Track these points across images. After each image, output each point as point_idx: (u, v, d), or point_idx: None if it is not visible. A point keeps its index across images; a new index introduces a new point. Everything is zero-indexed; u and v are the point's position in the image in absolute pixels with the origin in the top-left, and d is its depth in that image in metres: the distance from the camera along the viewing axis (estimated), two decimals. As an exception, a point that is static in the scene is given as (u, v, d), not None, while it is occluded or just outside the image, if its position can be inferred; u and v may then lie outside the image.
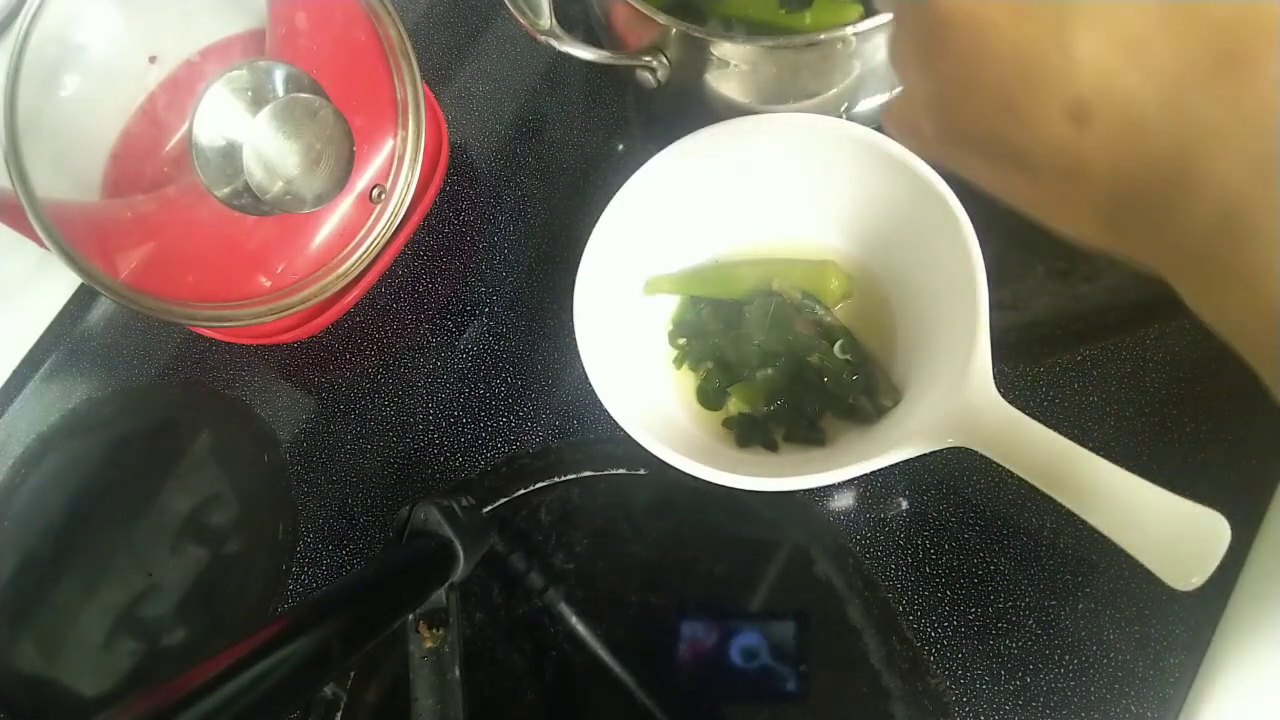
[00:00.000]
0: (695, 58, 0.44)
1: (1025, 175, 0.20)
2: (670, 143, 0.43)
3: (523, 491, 0.46)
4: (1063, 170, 0.19)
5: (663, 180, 0.43)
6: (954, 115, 0.21)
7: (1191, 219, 0.17)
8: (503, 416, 0.48)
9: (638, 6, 0.42)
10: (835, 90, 0.44)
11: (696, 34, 0.42)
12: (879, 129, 0.41)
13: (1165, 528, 0.32)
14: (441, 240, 0.53)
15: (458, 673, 0.37)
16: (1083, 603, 0.40)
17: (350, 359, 0.51)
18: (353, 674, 0.44)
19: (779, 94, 0.44)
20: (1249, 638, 0.39)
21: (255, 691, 0.26)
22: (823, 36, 0.40)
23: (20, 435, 0.52)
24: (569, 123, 0.55)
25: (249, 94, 0.39)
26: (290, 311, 0.45)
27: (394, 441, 0.49)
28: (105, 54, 0.42)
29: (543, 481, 0.46)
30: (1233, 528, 0.31)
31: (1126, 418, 0.43)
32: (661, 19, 0.42)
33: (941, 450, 0.35)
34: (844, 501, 0.44)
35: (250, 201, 0.40)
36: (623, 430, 0.38)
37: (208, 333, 0.49)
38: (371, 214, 0.46)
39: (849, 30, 0.40)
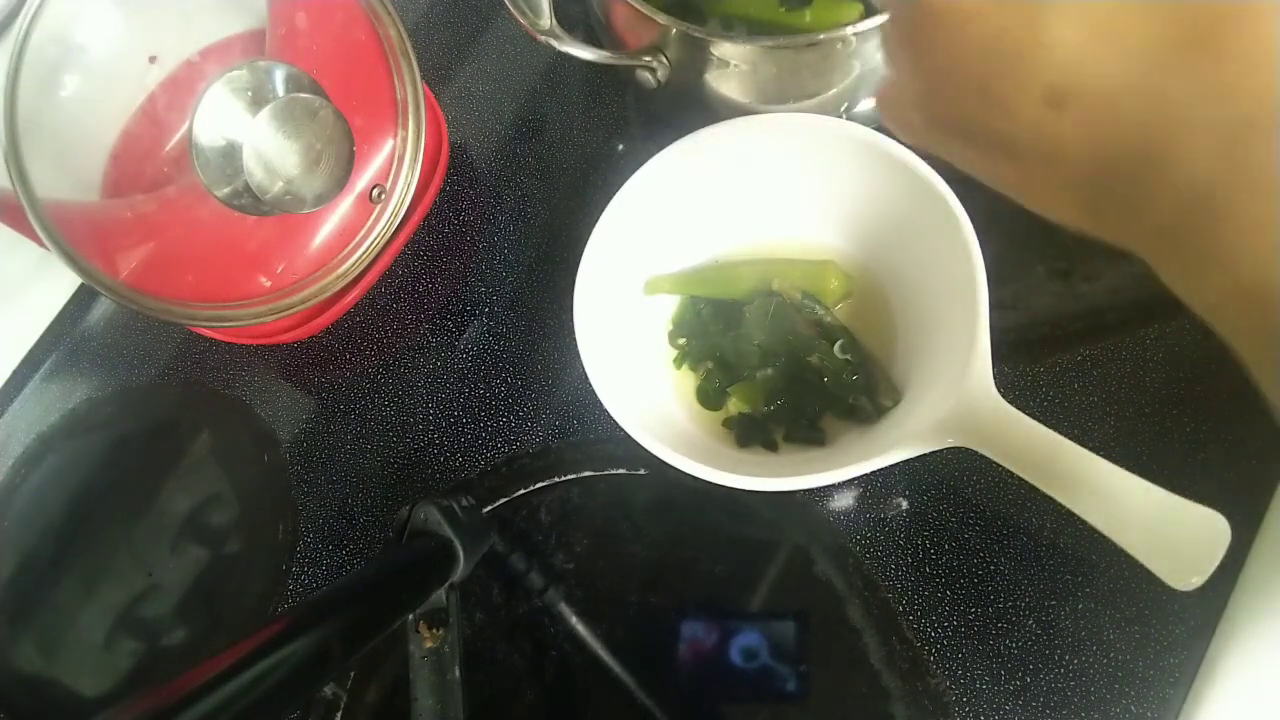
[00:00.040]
0: (695, 58, 0.44)
1: (1008, 161, 0.20)
2: (670, 143, 0.43)
3: (523, 491, 0.46)
4: (1043, 155, 0.19)
5: (663, 180, 0.43)
6: (940, 104, 0.21)
7: (1167, 201, 0.17)
8: (503, 416, 0.48)
9: (638, 6, 0.42)
10: (835, 90, 0.44)
11: (696, 34, 0.42)
12: (879, 129, 0.41)
13: (1165, 528, 0.32)
14: (441, 240, 0.53)
15: (458, 673, 0.37)
16: (1083, 603, 0.40)
17: (350, 359, 0.51)
18: (353, 674, 0.44)
19: (779, 94, 0.44)
20: (1249, 638, 0.39)
21: (255, 691, 0.26)
22: (822, 36, 0.40)
23: (20, 435, 0.52)
24: (569, 123, 0.55)
25: (249, 94, 0.39)
26: (290, 311, 0.45)
27: (394, 441, 0.49)
28: (105, 54, 0.42)
29: (543, 481, 0.46)
30: (1233, 528, 0.31)
31: (1126, 418, 0.43)
32: (661, 19, 0.42)
33: (941, 450, 0.35)
34: (844, 501, 0.44)
35: (250, 201, 0.40)
36: (623, 430, 0.38)
37: (208, 333, 0.49)
38: (371, 214, 0.46)
39: (849, 30, 0.40)
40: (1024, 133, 0.19)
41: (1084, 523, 0.33)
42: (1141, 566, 0.32)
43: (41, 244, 0.38)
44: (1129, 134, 0.17)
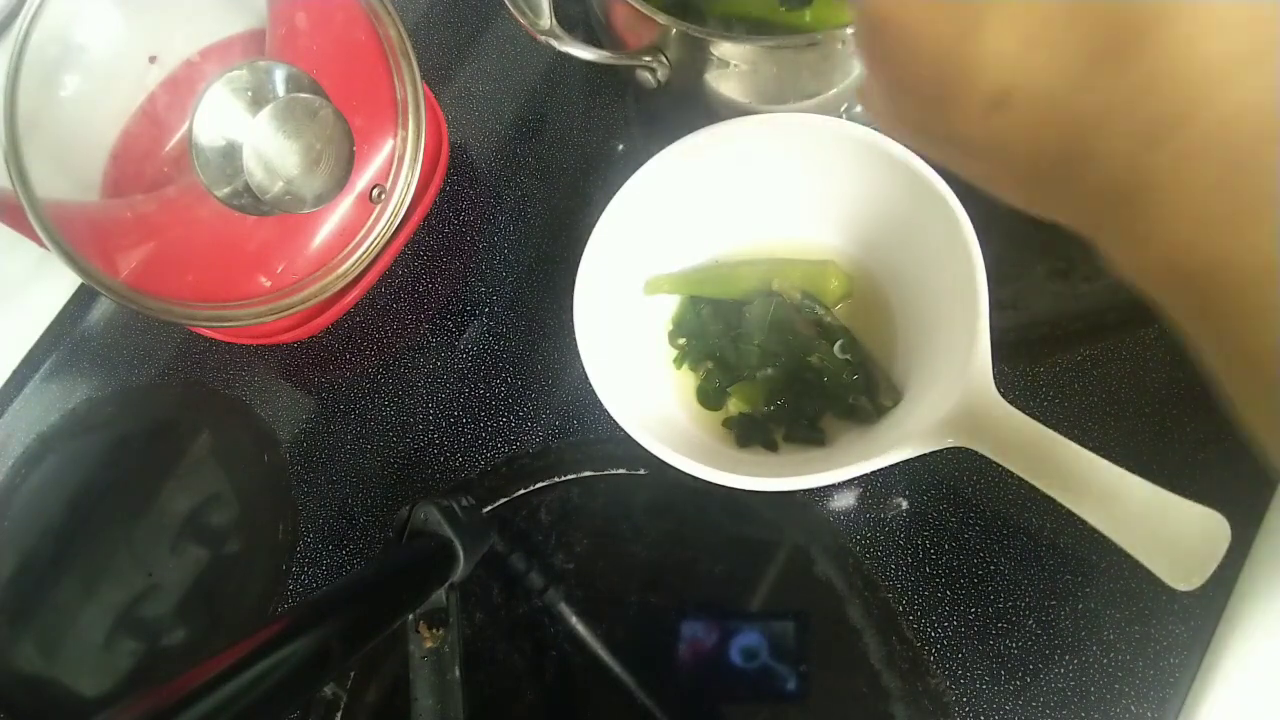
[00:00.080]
0: (695, 58, 0.44)
1: (963, 155, 0.22)
2: (670, 143, 0.43)
3: (523, 491, 0.46)
4: (991, 151, 0.21)
5: (663, 180, 0.43)
6: (898, 105, 0.23)
7: (1096, 188, 0.19)
8: (503, 416, 0.48)
9: (638, 6, 0.42)
10: (835, 90, 0.44)
11: (696, 34, 0.42)
12: (879, 129, 0.41)
13: (1165, 528, 0.32)
14: (441, 240, 0.53)
15: (458, 673, 0.37)
16: (1083, 603, 0.40)
17: (350, 359, 0.51)
18: (353, 674, 0.44)
19: (779, 94, 0.44)
20: (1249, 638, 0.39)
21: (255, 691, 0.26)
22: (822, 36, 0.40)
23: (20, 435, 0.52)
24: (569, 123, 0.55)
25: (249, 94, 0.39)
26: (290, 311, 0.45)
27: (394, 441, 0.49)
28: (105, 54, 0.42)
29: (543, 481, 0.46)
30: (1233, 528, 0.31)
31: (1127, 417, 0.43)
32: (661, 19, 0.42)
33: (941, 450, 0.35)
34: (844, 501, 0.44)
35: (250, 201, 0.40)
36: (623, 430, 0.38)
37: (208, 333, 0.49)
38: (371, 214, 0.46)
39: (849, 30, 0.40)
40: (973, 132, 0.21)
41: (1084, 523, 0.33)
42: (1141, 566, 0.32)
43: (41, 244, 0.38)
44: (1063, 133, 0.19)
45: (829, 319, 0.44)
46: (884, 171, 0.41)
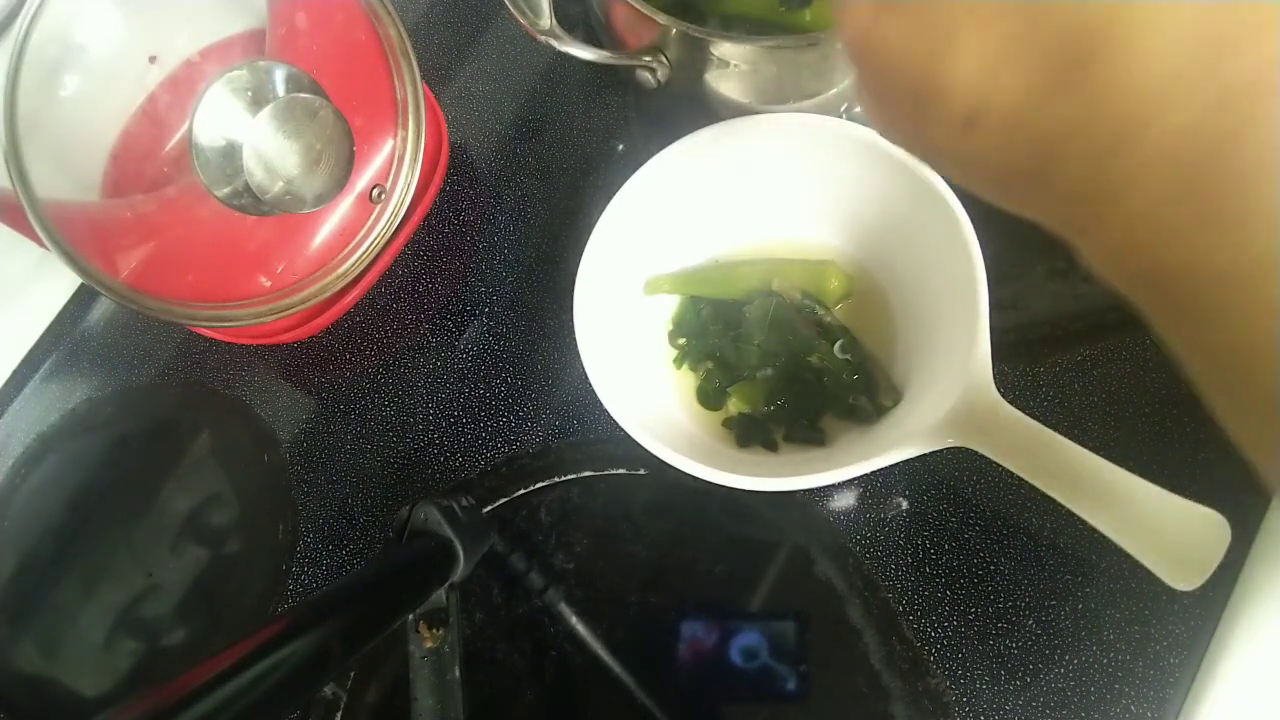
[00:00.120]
0: (695, 58, 0.44)
1: (944, 162, 0.24)
2: (670, 143, 0.43)
3: (523, 491, 0.46)
4: (968, 160, 0.22)
5: (663, 180, 0.43)
6: (883, 116, 0.24)
7: (1066, 195, 0.20)
8: (503, 416, 0.48)
9: (638, 6, 0.42)
10: (835, 90, 0.44)
11: (696, 34, 0.42)
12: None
13: (1165, 528, 0.32)
14: (441, 240, 0.53)
15: (458, 673, 0.37)
16: (1083, 603, 0.40)
17: (350, 359, 0.51)
18: (353, 674, 0.44)
19: (779, 94, 0.44)
20: (1249, 638, 0.39)
21: (255, 691, 0.26)
22: (822, 36, 0.40)
23: (20, 435, 0.52)
24: (569, 123, 0.55)
25: (249, 94, 0.39)
26: (290, 311, 0.45)
27: (394, 441, 0.49)
28: (105, 54, 0.42)
29: (543, 481, 0.46)
30: (1233, 528, 0.31)
31: (1127, 418, 0.43)
32: (661, 19, 0.42)
33: (941, 450, 0.35)
34: (844, 501, 0.44)
35: (250, 201, 0.40)
36: (623, 430, 0.38)
37: (208, 333, 0.49)
38: (371, 214, 0.46)
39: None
40: (952, 145, 0.22)
41: (1084, 523, 0.33)
42: (1141, 566, 0.32)
43: (41, 244, 0.38)
44: (1033, 145, 0.20)
45: (829, 319, 0.44)
46: (884, 171, 0.41)
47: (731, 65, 0.43)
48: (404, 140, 0.46)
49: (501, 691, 0.43)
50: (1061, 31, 0.18)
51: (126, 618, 0.47)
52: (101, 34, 0.41)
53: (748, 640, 0.42)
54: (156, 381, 0.52)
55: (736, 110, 0.45)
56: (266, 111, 0.39)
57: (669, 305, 0.47)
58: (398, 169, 0.46)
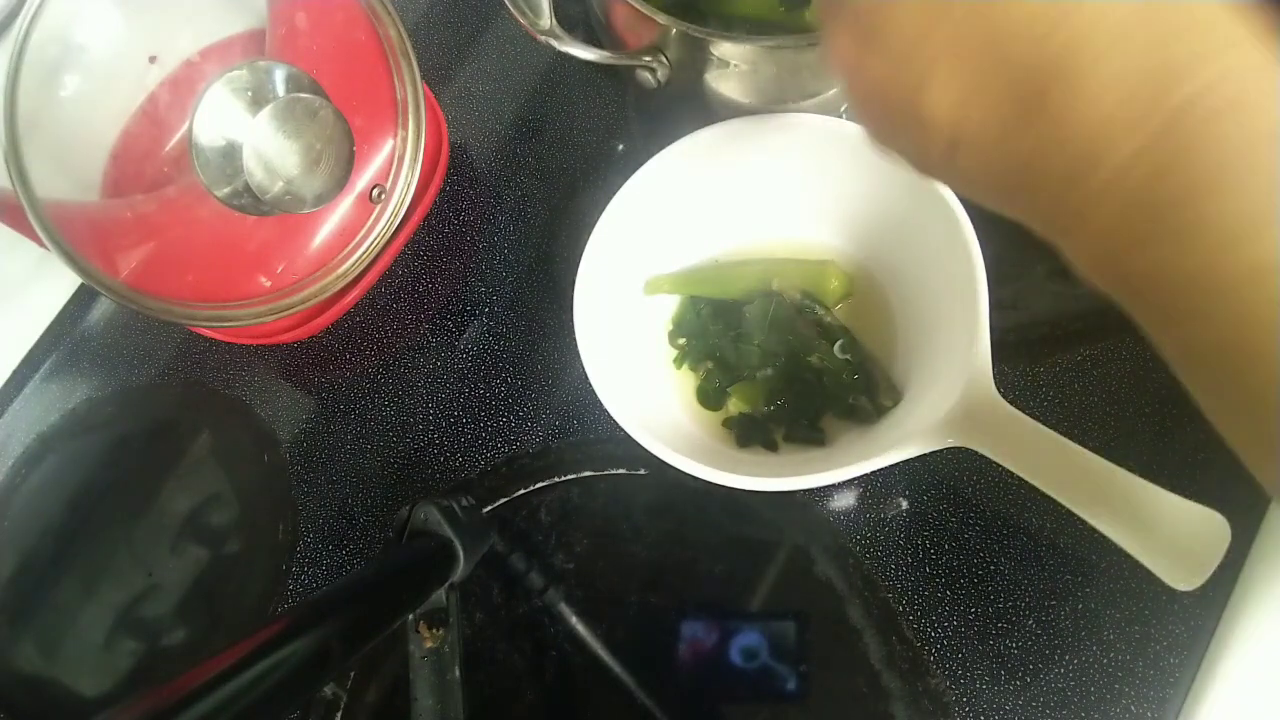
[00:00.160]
0: (695, 58, 0.44)
1: (934, 174, 0.26)
2: (670, 143, 0.43)
3: (523, 491, 0.46)
4: (955, 178, 0.25)
5: (663, 180, 0.43)
6: (873, 134, 0.27)
7: (1042, 210, 0.22)
8: (503, 416, 0.48)
9: (638, 6, 0.42)
10: (835, 90, 0.44)
11: (696, 34, 0.42)
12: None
13: (1165, 528, 0.32)
14: (441, 240, 0.53)
15: (458, 673, 0.37)
16: (1083, 603, 0.40)
17: (350, 359, 0.51)
18: (353, 674, 0.44)
19: (779, 94, 0.44)
20: (1249, 638, 0.39)
21: (255, 691, 0.26)
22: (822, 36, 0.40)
23: (20, 435, 0.52)
24: (569, 123, 0.55)
25: (249, 94, 0.39)
26: (290, 311, 0.45)
27: (394, 441, 0.49)
28: (105, 54, 0.42)
29: (543, 481, 0.46)
30: (1233, 528, 0.31)
31: (1127, 418, 0.43)
32: (661, 19, 0.42)
33: (941, 450, 0.35)
34: (844, 501, 0.44)
35: (250, 201, 0.40)
36: (623, 430, 0.38)
37: (208, 333, 0.49)
38: (371, 214, 0.46)
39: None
40: (939, 163, 0.24)
41: (1084, 523, 0.33)
42: (1141, 566, 0.32)
43: (41, 244, 0.38)
44: (1008, 169, 0.22)
45: (829, 319, 0.44)
46: (884, 171, 0.41)
47: (731, 65, 0.43)
48: (404, 140, 0.46)
49: (501, 691, 0.43)
50: (1021, 69, 0.20)
51: (126, 618, 0.47)
52: (101, 34, 0.41)
53: (748, 640, 0.42)
54: (156, 381, 0.52)
55: (736, 110, 0.45)
56: (266, 111, 0.39)
57: (669, 305, 0.47)
58: (398, 169, 0.46)
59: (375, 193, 0.46)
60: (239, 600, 0.46)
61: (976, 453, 0.35)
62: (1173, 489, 0.32)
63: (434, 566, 0.37)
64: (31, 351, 0.54)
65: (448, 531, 0.37)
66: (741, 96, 0.45)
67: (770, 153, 0.44)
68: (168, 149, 0.43)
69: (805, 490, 0.39)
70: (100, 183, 0.43)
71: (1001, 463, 0.34)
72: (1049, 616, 0.40)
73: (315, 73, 0.41)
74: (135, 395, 0.52)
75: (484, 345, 0.50)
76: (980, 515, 0.42)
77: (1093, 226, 0.21)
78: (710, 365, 0.45)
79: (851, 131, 0.42)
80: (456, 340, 0.51)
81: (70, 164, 0.42)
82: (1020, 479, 0.34)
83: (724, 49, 0.42)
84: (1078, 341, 0.45)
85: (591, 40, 0.46)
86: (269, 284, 0.44)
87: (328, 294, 0.46)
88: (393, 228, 0.47)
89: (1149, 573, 0.32)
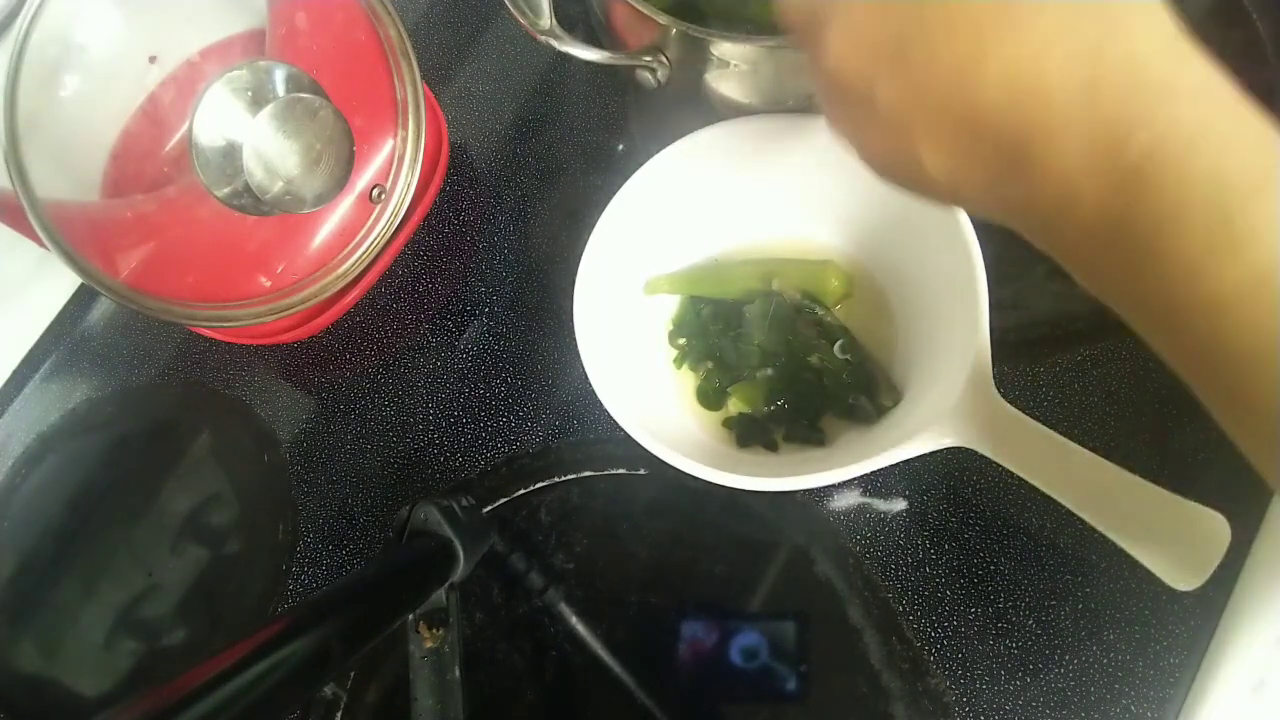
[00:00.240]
0: (695, 58, 0.44)
1: (938, 203, 0.28)
2: (670, 143, 0.43)
3: (523, 491, 0.46)
4: (959, 205, 0.29)
5: (663, 180, 0.43)
6: (885, 180, 0.28)
7: (1037, 238, 0.25)
8: (503, 416, 0.48)
9: (638, 6, 0.42)
10: (835, 90, 0.44)
11: (696, 34, 0.42)
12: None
13: (1165, 528, 0.32)
14: (441, 240, 0.53)
15: (458, 673, 0.37)
16: (1083, 603, 0.40)
17: (350, 359, 0.51)
18: (353, 674, 0.44)
19: (779, 94, 0.44)
20: (1249, 638, 0.39)
21: (255, 691, 0.26)
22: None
23: (20, 435, 0.52)
24: (569, 123, 0.55)
25: (249, 94, 0.39)
26: (290, 311, 0.45)
27: (394, 441, 0.49)
28: (105, 54, 0.42)
29: (543, 481, 0.46)
30: (1233, 528, 0.32)
31: (1127, 418, 0.43)
32: (661, 19, 0.42)
33: (941, 450, 0.35)
34: (844, 501, 0.44)
35: (250, 201, 0.40)
36: (623, 430, 0.38)
37: (208, 333, 0.49)
38: (371, 214, 0.46)
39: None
40: (944, 202, 0.27)
41: (1084, 523, 0.33)
42: (1141, 566, 0.32)
43: (41, 244, 0.38)
44: (1003, 215, 0.25)
45: (829, 319, 0.44)
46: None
47: (731, 65, 0.43)
48: (404, 140, 0.46)
49: (501, 691, 0.43)
50: (996, 140, 0.23)
51: (126, 618, 0.47)
52: (101, 34, 0.41)
53: (748, 640, 0.42)
54: (156, 381, 0.52)
55: (736, 110, 0.45)
56: (266, 111, 0.39)
57: (669, 305, 0.47)
58: (398, 169, 0.46)
59: (375, 193, 0.46)
60: (239, 600, 0.46)
61: (976, 453, 0.35)
62: (1173, 489, 0.32)
63: (434, 566, 0.37)
64: (31, 351, 0.54)
65: (448, 531, 0.37)
66: (741, 96, 0.45)
67: (770, 153, 0.44)
68: (168, 149, 0.43)
69: (805, 490, 0.39)
70: (100, 183, 0.43)
71: (1001, 463, 0.34)
72: (1049, 616, 0.40)
73: (315, 73, 0.41)
74: (135, 395, 0.52)
75: (484, 345, 0.50)
76: (980, 515, 0.42)
77: (1083, 254, 0.24)
78: (710, 365, 0.45)
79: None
80: (456, 340, 0.51)
81: (70, 164, 0.42)
82: (1020, 479, 0.34)
83: (724, 49, 0.42)
84: (1078, 341, 0.45)
85: (591, 40, 0.46)
86: (269, 284, 0.44)
87: (328, 294, 0.46)
88: (393, 228, 0.47)
89: (1149, 573, 0.32)
